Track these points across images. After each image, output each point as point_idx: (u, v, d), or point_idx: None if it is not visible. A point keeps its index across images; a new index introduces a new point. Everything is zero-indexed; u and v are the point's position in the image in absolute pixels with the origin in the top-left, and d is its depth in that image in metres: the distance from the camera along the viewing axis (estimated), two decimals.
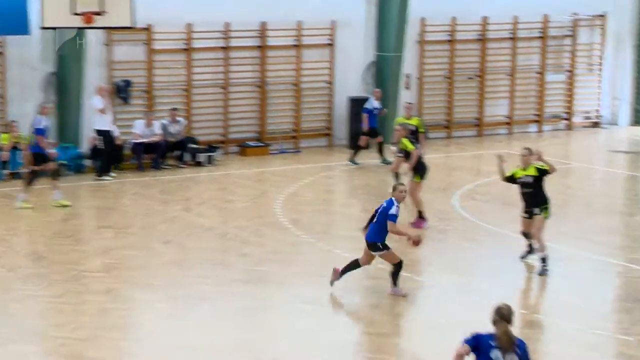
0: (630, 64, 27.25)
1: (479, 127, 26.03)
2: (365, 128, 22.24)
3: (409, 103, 20.76)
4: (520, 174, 14.07)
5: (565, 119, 27.00)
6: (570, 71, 26.86)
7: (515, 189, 14.39)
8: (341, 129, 24.46)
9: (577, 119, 27.07)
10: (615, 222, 17.07)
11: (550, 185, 14.44)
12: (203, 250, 15.13)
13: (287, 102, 24.17)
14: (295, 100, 24.25)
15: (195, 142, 22.46)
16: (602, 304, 12.79)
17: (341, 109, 24.46)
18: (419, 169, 16.32)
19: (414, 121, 19.16)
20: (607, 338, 11.45)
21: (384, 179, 20.25)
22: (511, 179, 14.19)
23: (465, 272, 14.09)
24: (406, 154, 16.54)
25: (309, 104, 24.39)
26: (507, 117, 26.39)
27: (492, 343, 7.75)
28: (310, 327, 11.66)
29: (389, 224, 12.47)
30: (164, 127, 22.00)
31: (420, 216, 16.26)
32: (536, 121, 26.71)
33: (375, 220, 12.69)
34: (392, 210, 12.46)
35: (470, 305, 12.27)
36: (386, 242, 12.75)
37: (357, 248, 15.35)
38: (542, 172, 13.86)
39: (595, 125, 27.12)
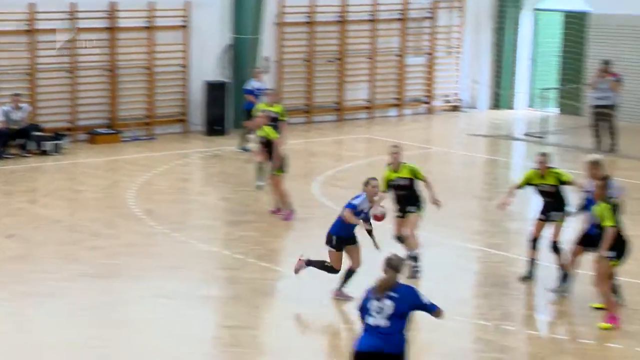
0: (488, 47, 27.92)
1: (340, 111, 26.27)
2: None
3: (271, 89, 20.71)
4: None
5: (426, 103, 27.50)
6: (430, 54, 27.36)
7: (374, 174, 14.54)
8: (197, 115, 24.33)
9: (437, 103, 27.59)
10: (474, 207, 17.52)
11: None
12: (50, 243, 14.87)
13: (140, 87, 23.88)
14: (148, 85, 23.98)
15: (40, 130, 21.98)
16: (462, 290, 13.13)
17: (197, 94, 24.32)
18: (280, 161, 16.30)
19: (276, 108, 18.91)
20: (466, 324, 11.77)
21: (242, 166, 20.26)
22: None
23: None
24: (267, 142, 16.44)
25: (162, 88, 24.16)
26: (367, 101, 26.70)
27: (370, 295, 7.98)
28: (167, 321, 11.61)
29: (345, 210, 12.25)
30: (5, 114, 21.43)
31: (285, 208, 16.25)
32: (397, 105, 27.11)
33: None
34: (355, 201, 12.25)
35: (330, 295, 12.41)
36: (351, 237, 12.38)
37: (214, 238, 15.39)
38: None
39: (455, 108, 27.70)
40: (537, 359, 10.86)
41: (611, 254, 11.40)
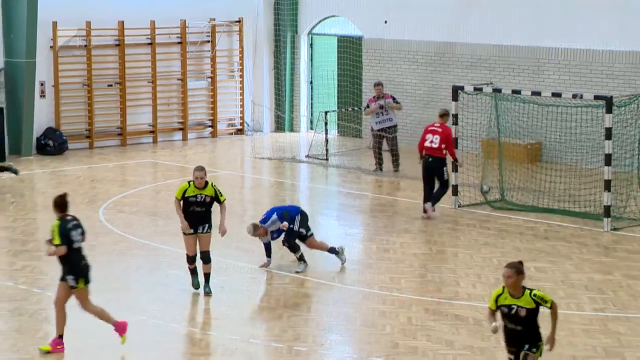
0: (268, 70, 28.35)
1: (122, 136, 26.02)
2: None
3: None
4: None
5: (210, 126, 27.62)
6: (212, 77, 27.53)
7: (160, 199, 14.57)
8: None
9: (221, 126, 27.76)
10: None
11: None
12: None
13: None
14: None
15: None
16: (256, 312, 13.30)
17: None
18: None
19: None
20: (260, 346, 11.93)
21: (21, 191, 19.75)
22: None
23: (120, 288, 14.12)
24: None
25: None
26: (150, 125, 26.58)
27: None
28: None
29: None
30: None
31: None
32: (181, 129, 27.11)
33: None
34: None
35: (132, 321, 12.20)
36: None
37: None
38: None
39: (240, 132, 27.94)
40: None
41: (71, 278, 11.42)
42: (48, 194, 19.64)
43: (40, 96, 24.81)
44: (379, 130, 22.44)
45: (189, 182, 13.84)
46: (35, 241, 16.51)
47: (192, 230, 13.77)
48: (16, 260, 15.45)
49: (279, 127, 28.48)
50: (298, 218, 14.87)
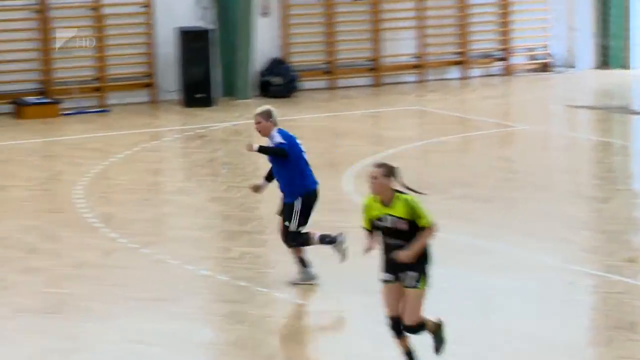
0: None
1: (376, 72, 26.46)
2: None
3: None
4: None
5: (501, 60, 27.53)
6: None
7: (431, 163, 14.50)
8: (169, 77, 24.35)
9: (517, 60, 27.64)
10: (582, 212, 17.49)
11: (483, 158, 14.66)
12: None
13: (84, 35, 23.91)
14: (96, 34, 24.01)
15: None
16: (571, 333, 13.13)
17: (167, 47, 24.31)
18: None
19: None
20: None
21: (239, 151, 20.29)
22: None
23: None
24: None
25: (117, 38, 24.17)
26: (415, 58, 26.74)
27: None
28: None
29: None
30: None
31: None
32: (459, 63, 27.18)
33: None
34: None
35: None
36: None
37: (204, 257, 15.37)
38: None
39: (545, 68, 27.76)
40: None
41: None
42: None
43: (263, 14, 25.33)
44: None
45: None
46: (258, 219, 16.83)
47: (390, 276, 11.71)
48: (231, 246, 15.81)
49: (604, 62, 28.08)
50: None
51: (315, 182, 13.83)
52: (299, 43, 25.77)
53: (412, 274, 10.57)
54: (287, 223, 13.75)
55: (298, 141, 13.82)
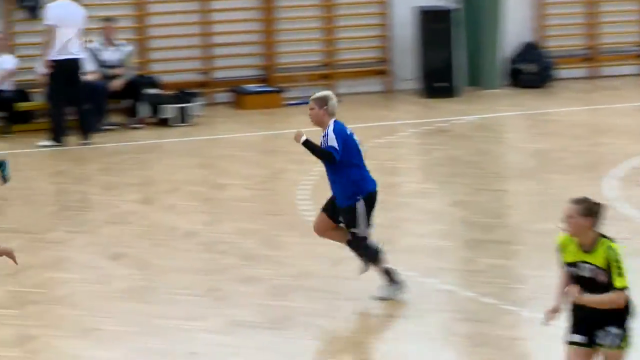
0: None
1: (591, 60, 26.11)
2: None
3: None
4: None
5: None
6: None
7: None
8: (405, 64, 24.47)
9: None
10: None
11: None
12: (178, 270, 15.14)
13: (308, 16, 24.26)
14: (325, 13, 24.28)
15: (156, 85, 22.45)
16: None
17: (404, 29, 24.44)
18: None
19: None
20: None
21: (485, 148, 20.18)
22: None
23: None
24: None
25: (346, 19, 24.46)
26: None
27: None
28: None
29: None
30: (94, 54, 21.87)
31: None
32: None
33: None
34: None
35: None
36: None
37: (443, 268, 15.37)
38: None
39: None
40: None
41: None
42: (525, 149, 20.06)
43: None
44: None
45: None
46: (507, 227, 16.81)
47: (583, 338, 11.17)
48: (476, 257, 15.76)
49: None
50: None
51: (374, 183, 14.03)
52: (555, 25, 25.57)
53: (615, 331, 9.79)
54: (353, 229, 13.89)
55: (355, 137, 13.99)
